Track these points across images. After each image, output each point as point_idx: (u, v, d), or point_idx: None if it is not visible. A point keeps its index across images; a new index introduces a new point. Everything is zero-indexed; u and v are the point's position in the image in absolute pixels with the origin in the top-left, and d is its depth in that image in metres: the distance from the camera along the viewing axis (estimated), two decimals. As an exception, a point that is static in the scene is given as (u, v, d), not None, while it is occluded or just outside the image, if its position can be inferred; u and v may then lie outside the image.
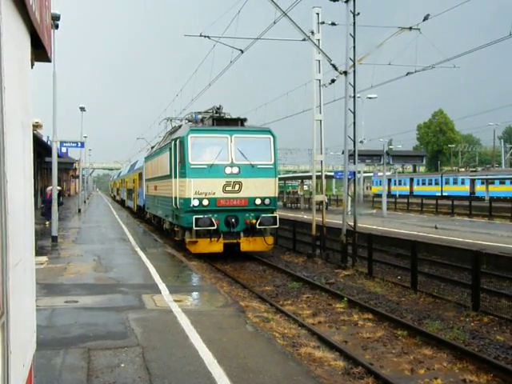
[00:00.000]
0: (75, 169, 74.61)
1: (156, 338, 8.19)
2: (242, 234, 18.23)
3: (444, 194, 67.88)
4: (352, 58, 18.11)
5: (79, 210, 44.33)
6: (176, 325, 8.94)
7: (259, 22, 21.85)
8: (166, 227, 22.96)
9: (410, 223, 30.59)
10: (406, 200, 53.20)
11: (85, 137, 47.30)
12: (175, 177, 18.88)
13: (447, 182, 70.53)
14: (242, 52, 20.23)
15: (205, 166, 17.74)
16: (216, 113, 19.74)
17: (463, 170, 78.52)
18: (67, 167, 68.46)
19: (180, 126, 21.73)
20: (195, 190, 17.54)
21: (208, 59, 23.88)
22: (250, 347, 7.98)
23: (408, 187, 77.56)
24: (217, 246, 17.84)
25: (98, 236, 24.11)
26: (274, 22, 17.85)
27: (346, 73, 18.06)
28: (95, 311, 9.88)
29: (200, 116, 20.39)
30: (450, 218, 37.01)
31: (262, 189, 18.16)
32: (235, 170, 17.88)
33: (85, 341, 7.95)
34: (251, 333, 8.80)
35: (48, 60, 4.16)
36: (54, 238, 21.02)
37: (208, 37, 19.97)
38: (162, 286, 12.21)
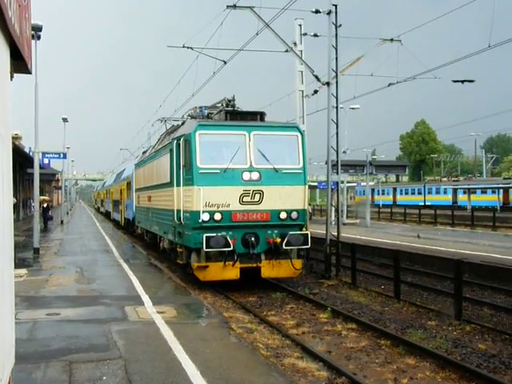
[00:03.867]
0: (58, 180, 74.17)
1: (139, 350, 8.14)
2: (263, 257, 14.69)
3: (427, 203, 68.40)
4: (334, 69, 18.25)
5: (62, 222, 43.98)
6: (159, 336, 8.90)
7: (242, 33, 21.99)
8: (164, 246, 18.80)
9: (393, 233, 30.76)
10: (389, 210, 53.53)
11: (67, 148, 47.05)
12: (178, 185, 15.35)
13: (430, 192, 71.12)
14: (225, 63, 20.31)
15: (217, 171, 14.27)
16: (227, 106, 16.23)
17: (445, 179, 79.23)
18: (49, 178, 68.06)
19: (183, 123, 17.73)
20: (205, 200, 14.04)
21: (191, 70, 23.94)
22: (233, 358, 7.96)
23: (391, 197, 78.06)
24: (232, 272, 14.26)
25: (81, 247, 23.94)
26: (257, 34, 17.94)
27: (328, 84, 18.18)
28: (77, 324, 9.80)
29: (207, 111, 16.96)
30: (433, 228, 37.30)
31: (288, 199, 14.70)
32: (255, 175, 14.44)
33: (66, 354, 7.88)
34: (235, 344, 8.78)
35: (28, 72, 4.15)
36: (36, 250, 20.84)
37: (191, 48, 20.01)
38: (145, 298, 12.16)
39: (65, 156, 31.15)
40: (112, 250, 22.96)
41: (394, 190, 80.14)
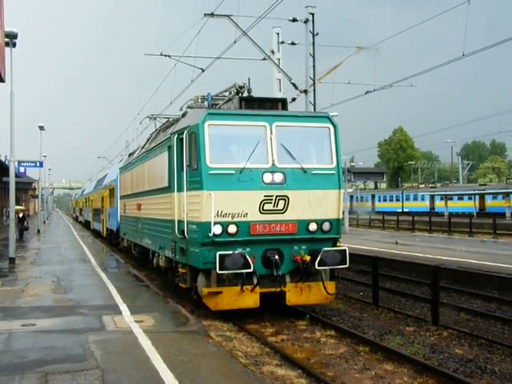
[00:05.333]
0: (34, 188, 73.40)
1: (116, 359, 8.05)
2: (287, 279, 11.99)
3: (405, 209, 69.07)
4: (312, 77, 18.39)
5: (38, 231, 43.45)
6: (137, 346, 8.82)
7: (220, 41, 22.05)
8: (159, 264, 15.60)
9: (372, 239, 30.96)
10: (367, 216, 53.92)
11: (44, 156, 46.63)
12: (180, 189, 12.56)
13: (408, 198, 71.85)
14: (203, 71, 20.34)
15: (231, 172, 11.52)
16: (237, 94, 13.12)
17: (423, 186, 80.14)
18: (26, 187, 67.36)
19: (184, 115, 14.23)
20: (217, 209, 11.29)
21: (170, 77, 23.90)
22: (211, 367, 7.92)
23: (370, 203, 78.62)
24: (251, 299, 11.57)
25: (58, 257, 23.66)
26: (235, 42, 18.01)
27: (306, 91, 18.31)
28: (53, 334, 9.66)
29: (212, 102, 14.02)
30: (411, 234, 37.63)
31: (319, 207, 12.04)
32: (278, 177, 11.73)
33: (42, 365, 7.76)
34: (213, 352, 8.74)
35: (1, 80, 4.10)
36: (12, 260, 20.56)
37: (169, 56, 20.02)
38: (123, 307, 12.04)
39: (41, 164, 30.88)
40: (90, 259, 22.73)
41: (373, 196, 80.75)
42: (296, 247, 12.01)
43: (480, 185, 70.26)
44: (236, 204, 11.44)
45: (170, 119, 16.82)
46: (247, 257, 11.13)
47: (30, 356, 8.27)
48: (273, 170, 11.70)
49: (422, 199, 68.72)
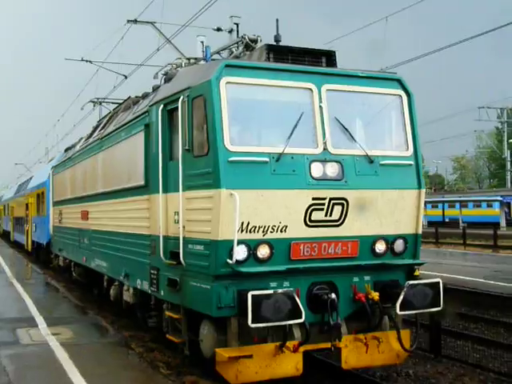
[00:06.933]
0: None
1: (30, 374, 7.80)
2: (343, 328, 7.67)
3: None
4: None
5: None
6: (53, 359, 8.55)
7: (144, 47, 21.79)
8: (123, 298, 11.00)
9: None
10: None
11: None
12: (168, 188, 8.37)
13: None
14: (126, 77, 20.05)
15: (264, 159, 7.26)
16: (248, 49, 9.37)
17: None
18: None
19: (170, 78, 9.21)
20: (242, 219, 7.04)
21: (91, 83, 23.38)
22: (131, 378, 7.83)
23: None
24: (290, 362, 7.12)
25: (-30, 268, 22.57)
26: (158, 49, 17.89)
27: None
28: (-38, 349, 9.21)
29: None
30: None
31: (390, 215, 7.94)
32: (333, 169, 7.58)
33: None
34: (134, 363, 8.62)
35: None
36: None
37: (90, 61, 19.63)
38: (40, 319, 11.65)
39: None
40: (5, 269, 21.81)
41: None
42: (356, 278, 7.83)
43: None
44: (270, 211, 7.24)
45: (131, 97, 12.29)
46: (296, 299, 6.86)
47: None
48: (325, 157, 7.56)
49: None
